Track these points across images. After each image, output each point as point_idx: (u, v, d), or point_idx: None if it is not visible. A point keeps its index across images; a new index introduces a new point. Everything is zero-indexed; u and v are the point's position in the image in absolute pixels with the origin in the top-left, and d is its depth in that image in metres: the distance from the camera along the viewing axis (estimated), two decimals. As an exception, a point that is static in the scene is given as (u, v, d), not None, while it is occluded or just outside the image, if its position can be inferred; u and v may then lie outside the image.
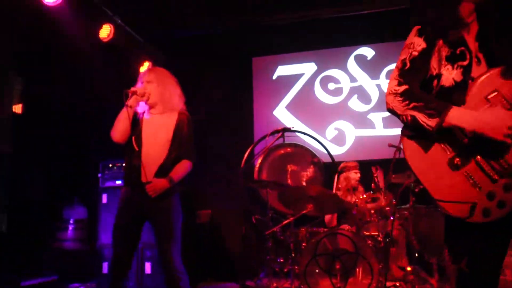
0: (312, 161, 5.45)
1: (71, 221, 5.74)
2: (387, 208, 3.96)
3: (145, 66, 5.80)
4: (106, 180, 5.48)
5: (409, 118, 1.76)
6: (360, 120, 6.31)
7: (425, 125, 1.72)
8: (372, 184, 4.12)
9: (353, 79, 6.44)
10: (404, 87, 1.81)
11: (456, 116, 1.69)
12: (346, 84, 6.45)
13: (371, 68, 6.39)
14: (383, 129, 6.17)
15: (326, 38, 6.49)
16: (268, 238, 4.16)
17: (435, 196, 1.70)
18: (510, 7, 1.94)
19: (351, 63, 6.48)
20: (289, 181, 4.86)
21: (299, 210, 4.23)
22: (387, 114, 1.94)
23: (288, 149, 5.43)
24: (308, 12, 6.26)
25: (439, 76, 1.83)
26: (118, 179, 5.42)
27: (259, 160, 5.14)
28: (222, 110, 6.37)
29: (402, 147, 1.84)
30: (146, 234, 3.33)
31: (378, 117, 6.23)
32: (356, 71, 6.44)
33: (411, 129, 1.78)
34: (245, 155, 5.11)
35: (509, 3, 1.94)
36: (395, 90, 1.82)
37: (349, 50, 6.52)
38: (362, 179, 5.02)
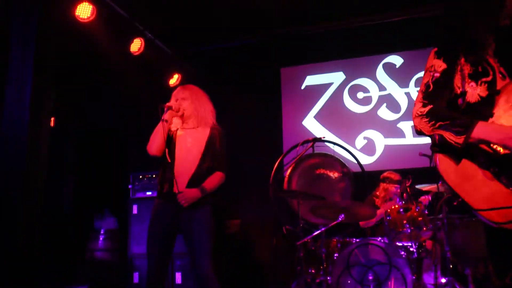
0: (342, 171, 5.43)
1: (102, 232, 5.85)
2: (420, 218, 3.91)
3: (174, 79, 5.91)
4: (137, 191, 5.58)
5: (437, 137, 1.81)
6: (390, 129, 6.26)
7: (453, 143, 1.76)
8: (404, 194, 4.08)
9: (382, 87, 6.41)
10: (429, 107, 1.85)
11: (482, 131, 1.72)
12: (375, 93, 6.42)
13: (400, 76, 6.35)
14: (413, 138, 6.10)
15: (354, 47, 6.49)
16: (299, 248, 4.15)
17: (475, 207, 1.70)
18: None
19: (380, 71, 6.45)
20: (319, 191, 4.85)
21: (330, 221, 4.21)
22: None
23: (318, 159, 5.42)
24: (336, 21, 6.28)
25: (464, 93, 1.88)
26: (148, 190, 5.52)
27: (289, 170, 5.15)
28: (252, 121, 6.42)
29: (434, 161, 1.84)
30: (176, 243, 3.38)
31: (408, 126, 6.17)
32: (385, 79, 6.41)
33: (441, 147, 1.81)
34: (275, 165, 5.12)
35: None
36: (420, 112, 1.87)
37: (378, 59, 6.50)
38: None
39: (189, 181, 3.27)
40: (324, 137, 5.12)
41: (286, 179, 5.15)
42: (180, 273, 5.22)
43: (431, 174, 2.76)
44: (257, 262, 5.92)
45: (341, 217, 4.11)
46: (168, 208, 3.26)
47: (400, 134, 6.20)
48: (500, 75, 1.90)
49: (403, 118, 6.23)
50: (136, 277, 5.37)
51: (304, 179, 5.26)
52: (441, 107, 1.85)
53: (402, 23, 6.16)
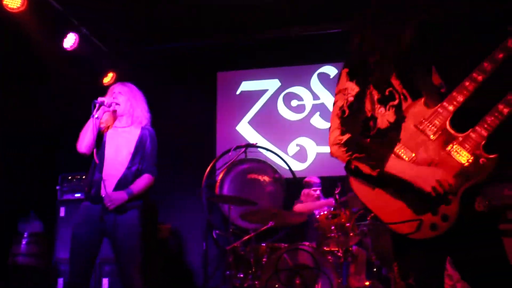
0: (273, 177, 5.51)
1: (25, 235, 5.55)
2: (347, 225, 4.05)
3: (109, 77, 5.75)
4: (65, 192, 5.36)
5: (353, 167, 1.93)
6: (322, 137, 6.41)
7: (367, 174, 1.89)
8: (333, 201, 4.20)
9: (316, 96, 6.57)
10: (347, 136, 1.95)
11: (394, 166, 1.86)
12: (308, 102, 6.57)
13: (334, 86, 6.43)
14: (344, 146, 6.28)
15: (291, 55, 6.58)
16: (229, 253, 4.16)
17: (385, 220, 1.86)
18: (422, 43, 2.07)
19: (314, 81, 6.61)
20: (250, 196, 4.89)
21: (261, 226, 4.26)
22: None
23: (250, 164, 5.48)
24: (273, 30, 6.36)
25: (374, 118, 1.98)
26: (77, 192, 5.31)
27: (221, 175, 5.16)
28: (186, 123, 6.34)
29: (349, 181, 1.97)
30: (104, 249, 3.27)
31: (339, 135, 6.35)
32: (319, 89, 6.57)
33: (355, 175, 1.94)
34: (207, 170, 5.11)
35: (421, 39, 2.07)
36: (339, 140, 1.96)
37: (313, 68, 6.65)
38: (325, 195, 5.11)
39: (117, 184, 3.18)
40: (257, 143, 5.17)
41: (218, 183, 5.16)
42: (107, 279, 5.05)
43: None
44: (188, 267, 5.86)
45: (271, 223, 4.18)
46: (95, 211, 3.14)
47: (332, 142, 6.36)
48: (403, 96, 2.01)
49: (335, 127, 6.40)
50: (60, 283, 5.15)
51: (236, 184, 5.30)
52: (358, 136, 1.96)
53: (338, 35, 6.32)
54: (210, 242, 5.28)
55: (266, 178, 5.36)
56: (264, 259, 4.11)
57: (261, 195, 5.16)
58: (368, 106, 2.00)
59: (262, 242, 4.35)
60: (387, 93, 2.00)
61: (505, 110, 1.83)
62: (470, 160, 1.82)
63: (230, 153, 5.02)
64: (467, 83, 1.88)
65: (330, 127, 2.04)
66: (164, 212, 5.68)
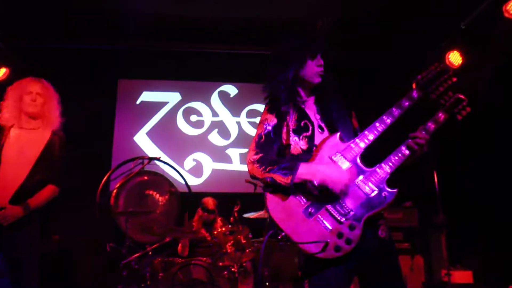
0: (169, 191, 5.51)
1: None
2: (244, 241, 4.21)
3: (1, 73, 5.37)
4: None
5: (268, 180, 2.11)
6: (218, 154, 6.58)
7: (282, 183, 2.07)
8: (231, 218, 4.34)
9: (215, 113, 6.72)
10: (260, 155, 2.20)
11: (305, 171, 2.07)
12: (208, 118, 6.70)
13: (233, 105, 6.76)
14: (240, 164, 6.50)
15: (194, 70, 6.68)
16: (122, 268, 4.08)
17: (295, 240, 2.05)
18: (342, 86, 2.41)
19: (215, 98, 6.77)
20: (146, 209, 4.85)
21: (156, 240, 4.26)
22: (245, 150, 2.29)
23: (147, 177, 5.41)
24: (179, 43, 6.39)
25: (289, 146, 2.25)
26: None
27: (117, 186, 5.03)
28: (81, 129, 6.07)
29: (265, 201, 2.14)
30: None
31: (236, 153, 6.56)
32: (218, 106, 6.74)
33: (272, 187, 2.12)
34: (103, 180, 4.95)
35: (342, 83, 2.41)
36: (253, 159, 2.21)
37: (214, 86, 6.82)
38: (221, 212, 5.23)
39: (14, 195, 2.89)
40: (160, 157, 5.14)
41: (113, 194, 5.01)
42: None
43: (257, 198, 3.06)
44: (78, 281, 5.57)
45: (167, 239, 4.21)
46: None
47: (228, 159, 6.56)
48: (319, 129, 2.29)
49: (232, 145, 6.61)
50: None
51: (132, 196, 5.19)
52: (270, 155, 2.21)
53: (241, 56, 6.55)
54: (104, 256, 5.10)
55: (162, 192, 5.34)
56: (160, 274, 4.11)
57: (156, 208, 5.12)
58: (284, 135, 2.26)
59: (158, 256, 4.32)
60: (302, 124, 2.27)
61: (406, 152, 2.16)
62: (375, 193, 2.08)
63: (128, 164, 4.91)
64: (377, 124, 2.17)
65: (248, 150, 2.26)
66: (52, 222, 5.35)
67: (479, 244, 5.64)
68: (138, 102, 6.61)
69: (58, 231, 5.48)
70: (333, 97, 2.35)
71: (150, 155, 5.81)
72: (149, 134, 6.53)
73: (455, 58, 5.62)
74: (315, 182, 2.05)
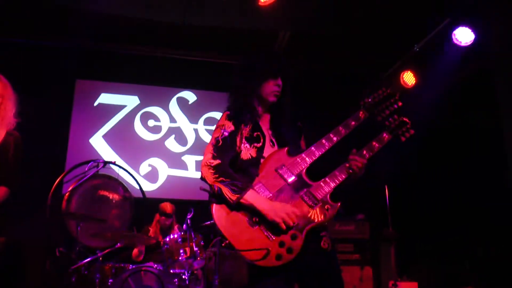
0: (123, 195, 5.53)
1: None
2: (196, 249, 4.29)
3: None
4: None
5: (216, 188, 2.20)
6: (175, 160, 6.63)
7: (228, 197, 2.17)
8: (184, 225, 4.41)
9: (172, 119, 6.78)
10: (217, 161, 2.26)
11: (251, 197, 2.18)
12: (165, 123, 6.75)
13: (191, 112, 6.84)
14: (195, 171, 6.58)
15: (154, 75, 6.73)
16: (72, 273, 4.09)
17: (237, 247, 2.14)
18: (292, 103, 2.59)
19: (173, 104, 6.84)
20: (98, 213, 4.86)
21: (108, 245, 4.29)
22: (201, 157, 2.39)
23: (101, 180, 5.42)
24: (141, 46, 6.44)
25: (240, 152, 2.38)
26: None
27: (70, 189, 5.02)
28: (36, 129, 5.98)
29: (210, 209, 2.24)
30: None
31: (192, 160, 6.64)
32: (176, 112, 6.81)
33: (217, 198, 2.22)
34: (55, 182, 4.94)
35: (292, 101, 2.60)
36: (209, 162, 2.27)
37: (173, 91, 6.89)
38: (177, 220, 5.29)
39: None
40: (115, 162, 5.16)
41: (65, 197, 5.00)
42: None
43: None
44: (25, 287, 5.47)
45: (118, 245, 4.24)
46: None
47: (184, 166, 6.63)
48: (271, 143, 2.45)
49: (189, 152, 6.69)
50: None
51: (85, 200, 5.19)
52: (226, 164, 2.30)
53: (202, 63, 6.66)
54: (53, 260, 5.04)
55: (116, 196, 5.36)
56: (110, 280, 4.13)
57: (109, 213, 5.14)
58: (238, 142, 2.39)
59: (108, 262, 4.35)
60: (255, 135, 2.42)
61: (349, 170, 2.33)
62: (318, 205, 2.24)
63: (84, 167, 4.91)
64: (324, 141, 2.33)
65: (204, 153, 2.34)
66: (1, 224, 5.25)
67: (425, 256, 5.95)
68: (95, 104, 6.59)
69: (5, 234, 5.38)
70: (286, 118, 2.52)
71: (106, 158, 5.87)
72: (106, 137, 6.52)
73: (409, 78, 5.93)
74: (257, 209, 2.16)
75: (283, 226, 2.14)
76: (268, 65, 2.46)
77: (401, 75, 5.91)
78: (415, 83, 5.87)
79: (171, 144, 6.71)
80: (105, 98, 6.65)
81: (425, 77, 5.83)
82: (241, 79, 2.50)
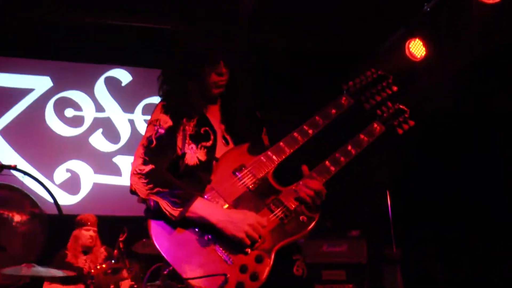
0: (31, 212, 5.49)
1: None
2: (132, 283, 4.30)
3: None
4: None
5: (152, 203, 2.20)
6: (103, 162, 6.60)
7: (168, 213, 2.16)
8: (115, 251, 4.40)
9: (99, 108, 6.75)
10: (150, 167, 2.26)
11: (201, 207, 2.18)
12: (89, 113, 6.72)
13: (126, 97, 6.83)
14: (132, 177, 6.53)
15: (71, 47, 6.61)
16: None
17: (184, 276, 2.15)
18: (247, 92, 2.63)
19: (100, 86, 6.81)
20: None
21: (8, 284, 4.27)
22: None
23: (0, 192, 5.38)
24: (53, 8, 6.31)
25: (184, 155, 2.37)
26: None
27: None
28: None
29: (147, 226, 2.24)
30: None
31: (127, 162, 6.62)
32: (105, 98, 6.78)
33: (154, 214, 2.21)
34: None
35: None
36: (140, 170, 2.27)
37: (100, 69, 6.86)
38: (104, 242, 5.23)
39: None
40: (16, 165, 5.12)
41: None
42: None
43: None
44: None
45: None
46: None
47: (116, 171, 6.63)
48: (224, 141, 2.46)
49: (122, 151, 6.69)
50: None
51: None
52: (162, 170, 2.29)
53: (139, 30, 6.57)
54: None
55: (21, 214, 5.32)
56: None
57: (12, 236, 5.11)
58: (179, 142, 2.39)
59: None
60: (202, 131, 2.43)
61: (332, 169, 2.35)
62: (290, 217, 2.27)
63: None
64: (296, 134, 2.36)
65: (133, 158, 2.34)
66: None
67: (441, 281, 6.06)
68: (-11, 87, 6.50)
69: None
70: (240, 108, 2.55)
71: (4, 162, 5.77)
72: (4, 132, 6.42)
73: (417, 48, 6.04)
74: (211, 222, 2.16)
75: (248, 242, 2.16)
76: (204, 47, 2.43)
77: (407, 44, 6.00)
78: (425, 54, 5.97)
79: (98, 141, 6.67)
80: (3, 79, 6.56)
81: (439, 46, 5.92)
82: (175, 65, 2.51)
